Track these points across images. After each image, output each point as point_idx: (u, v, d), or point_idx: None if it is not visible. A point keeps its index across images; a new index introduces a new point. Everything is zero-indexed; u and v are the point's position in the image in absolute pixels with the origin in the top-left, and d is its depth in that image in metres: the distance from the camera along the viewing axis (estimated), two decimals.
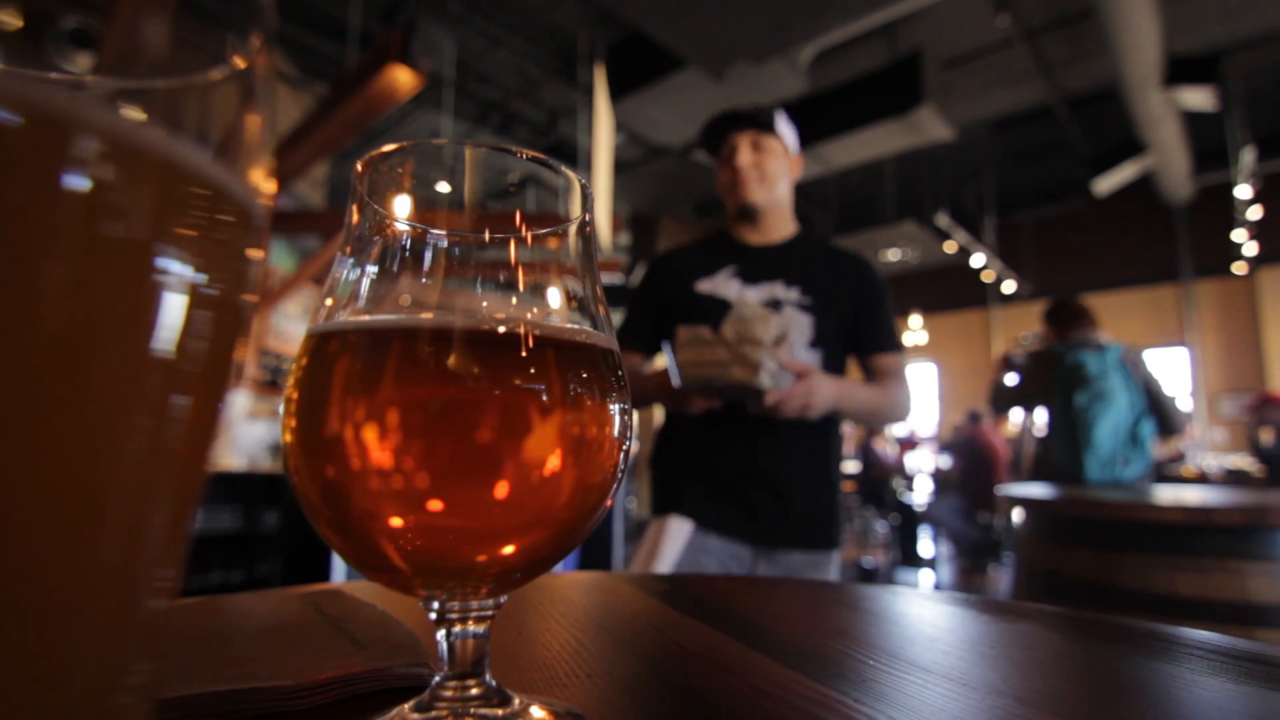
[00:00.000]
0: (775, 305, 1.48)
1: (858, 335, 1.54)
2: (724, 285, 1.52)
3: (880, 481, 6.67)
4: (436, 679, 0.30)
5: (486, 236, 0.31)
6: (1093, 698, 0.35)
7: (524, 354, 0.29)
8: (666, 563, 1.37)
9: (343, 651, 0.37)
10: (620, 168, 6.61)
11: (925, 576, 5.59)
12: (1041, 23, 5.91)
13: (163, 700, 0.29)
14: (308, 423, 0.29)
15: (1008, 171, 9.29)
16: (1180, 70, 5.91)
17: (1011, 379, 3.19)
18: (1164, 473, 5.26)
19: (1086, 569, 1.78)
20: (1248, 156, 6.89)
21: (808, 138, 5.72)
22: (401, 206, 0.32)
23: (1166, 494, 2.14)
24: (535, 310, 0.32)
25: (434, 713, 0.29)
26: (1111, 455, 2.80)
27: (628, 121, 6.02)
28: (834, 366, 1.53)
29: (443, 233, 0.31)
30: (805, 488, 1.46)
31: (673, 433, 1.56)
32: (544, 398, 0.29)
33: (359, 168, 0.31)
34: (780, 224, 1.60)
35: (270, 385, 5.73)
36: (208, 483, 0.17)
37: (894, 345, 1.56)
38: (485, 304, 0.31)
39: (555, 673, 0.38)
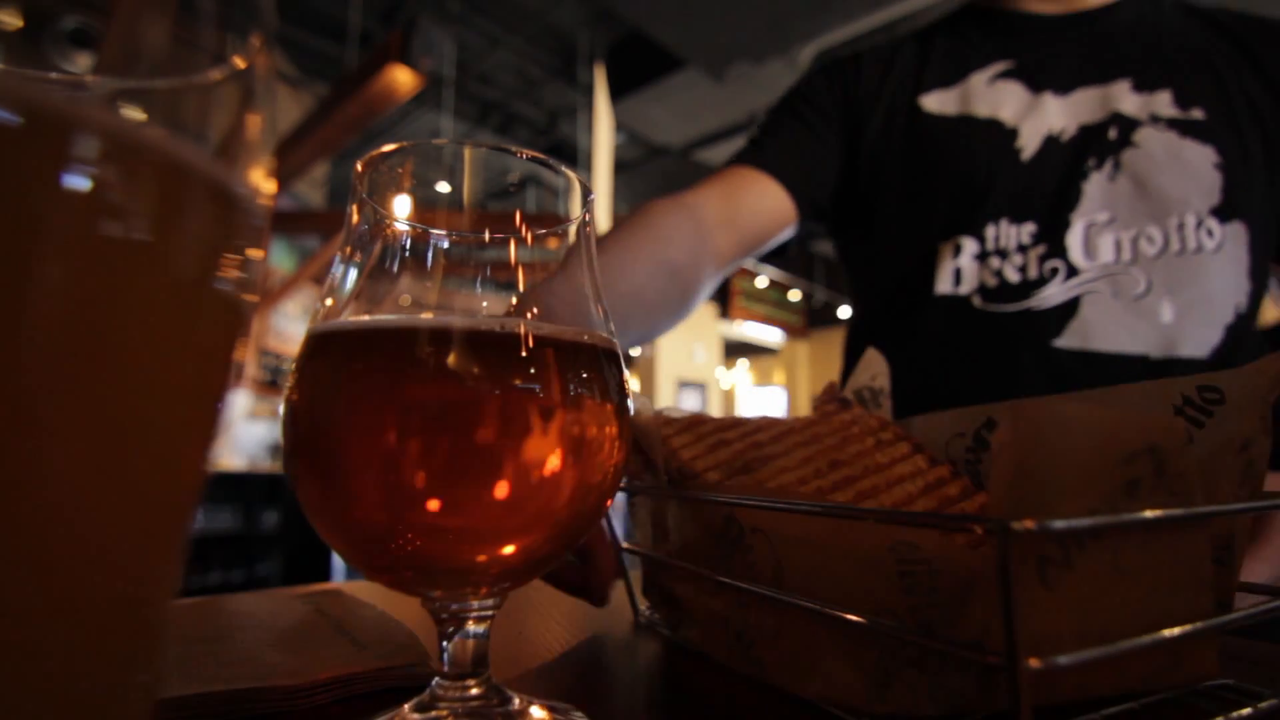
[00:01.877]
0: (1114, 133, 0.73)
1: None
2: (988, 95, 0.78)
3: None
4: (436, 679, 0.30)
5: (486, 236, 0.31)
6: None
7: (524, 354, 0.29)
8: None
9: (343, 651, 0.37)
10: (620, 168, 6.61)
11: None
12: None
13: (163, 700, 0.29)
14: (308, 423, 0.29)
15: None
16: None
17: None
18: None
19: None
20: None
21: None
22: (401, 206, 0.32)
23: None
24: (535, 311, 0.32)
25: (434, 713, 0.29)
26: None
27: (628, 121, 6.02)
28: (1258, 274, 0.74)
29: (443, 233, 0.31)
30: None
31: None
32: (544, 398, 0.28)
33: (359, 168, 0.31)
34: None
35: (270, 385, 5.73)
36: (208, 483, 0.17)
37: None
38: (485, 304, 0.31)
39: (555, 673, 0.38)
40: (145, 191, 0.13)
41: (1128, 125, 0.73)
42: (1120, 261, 0.71)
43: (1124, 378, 0.34)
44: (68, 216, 0.12)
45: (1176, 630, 0.28)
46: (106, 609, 0.14)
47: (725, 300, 9.00)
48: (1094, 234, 0.72)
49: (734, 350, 10.69)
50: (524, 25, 5.53)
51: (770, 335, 10.11)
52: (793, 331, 10.13)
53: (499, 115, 6.66)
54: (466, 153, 0.33)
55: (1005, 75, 0.79)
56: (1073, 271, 0.72)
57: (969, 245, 0.76)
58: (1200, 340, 0.71)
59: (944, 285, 0.78)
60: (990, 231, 0.75)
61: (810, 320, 10.26)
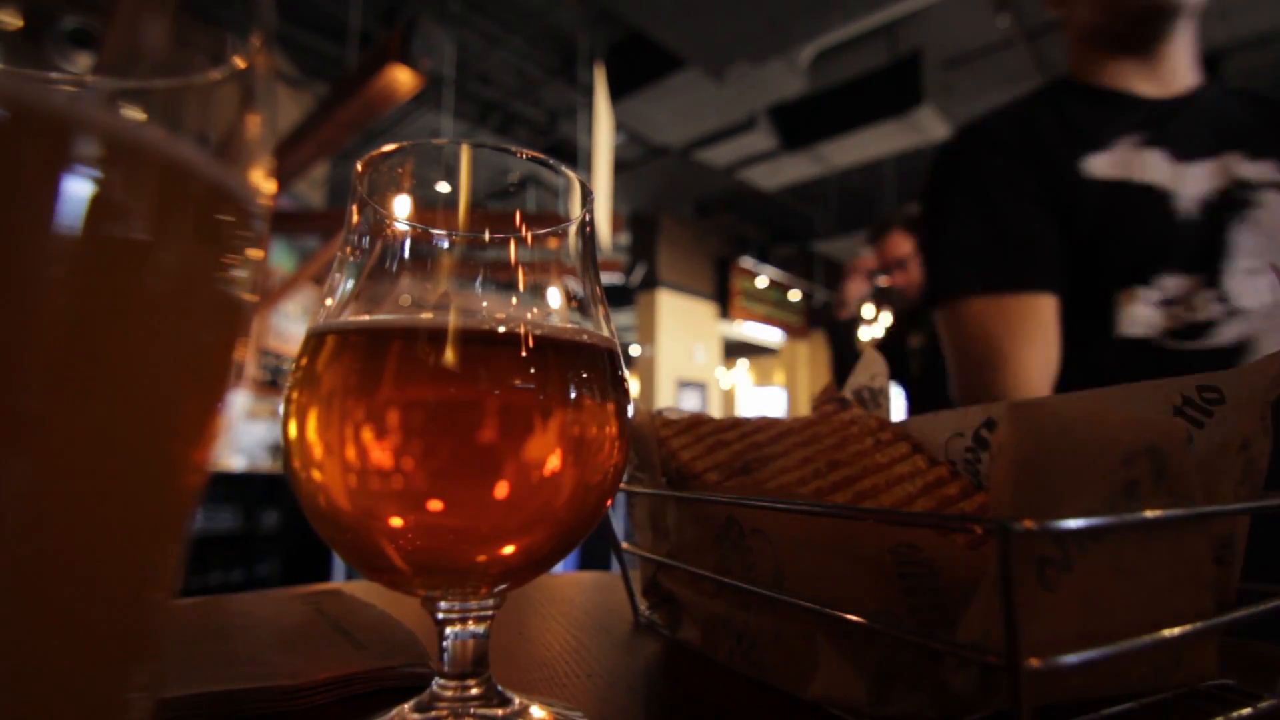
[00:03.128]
0: (1243, 195, 0.87)
1: None
2: (1137, 162, 0.89)
3: None
4: (436, 679, 0.30)
5: (486, 236, 0.31)
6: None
7: (524, 354, 0.29)
8: None
9: (343, 651, 0.37)
10: (620, 168, 6.61)
11: None
12: (1041, 23, 5.91)
13: (163, 700, 0.29)
14: (308, 423, 0.29)
15: None
16: None
17: None
18: None
19: None
20: None
21: (808, 138, 5.71)
22: (401, 206, 0.32)
23: None
24: (535, 310, 0.32)
25: (434, 713, 0.29)
26: None
27: (628, 121, 6.02)
28: None
29: (443, 233, 0.31)
30: None
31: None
32: (543, 398, 0.28)
33: (359, 168, 0.31)
34: (1185, 63, 0.95)
35: (270, 385, 5.73)
36: (208, 483, 0.17)
37: None
38: (485, 304, 0.31)
39: (555, 673, 0.38)
40: (145, 191, 0.13)
41: (1251, 188, 0.88)
42: (1275, 302, 0.86)
43: None
44: (67, 216, 0.12)
45: (1176, 630, 0.28)
46: (106, 608, 0.14)
47: (725, 300, 8.99)
48: (1249, 280, 0.86)
49: (734, 350, 10.68)
50: (524, 25, 5.53)
51: (770, 335, 10.11)
52: (793, 331, 10.12)
53: (499, 115, 6.65)
54: (466, 152, 0.33)
55: (1142, 143, 0.90)
56: (1239, 313, 0.86)
57: (1147, 294, 0.88)
58: None
59: (1130, 328, 0.89)
60: (1162, 281, 0.87)
61: (810, 320, 10.26)
